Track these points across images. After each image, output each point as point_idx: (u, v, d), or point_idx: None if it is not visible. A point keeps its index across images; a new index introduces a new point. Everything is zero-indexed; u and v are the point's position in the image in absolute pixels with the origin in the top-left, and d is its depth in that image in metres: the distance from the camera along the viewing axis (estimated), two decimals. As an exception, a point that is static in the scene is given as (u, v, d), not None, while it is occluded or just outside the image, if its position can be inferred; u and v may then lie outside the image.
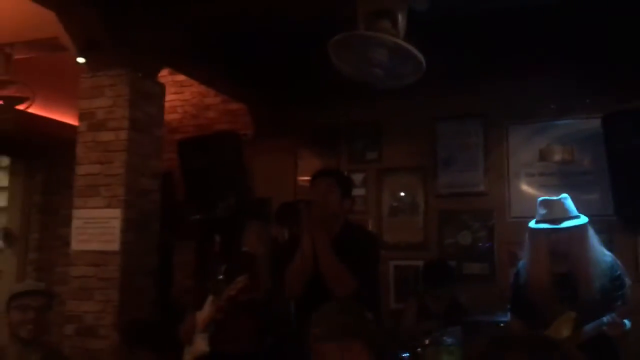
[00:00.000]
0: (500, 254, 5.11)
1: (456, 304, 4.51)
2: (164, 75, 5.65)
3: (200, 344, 3.35)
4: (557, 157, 5.01)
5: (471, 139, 5.35)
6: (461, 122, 5.41)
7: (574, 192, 4.85)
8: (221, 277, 3.37)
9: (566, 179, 4.97)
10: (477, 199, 5.25)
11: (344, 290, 2.80)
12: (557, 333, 2.83)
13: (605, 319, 2.74)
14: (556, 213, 2.91)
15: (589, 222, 2.97)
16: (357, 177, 5.73)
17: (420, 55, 3.11)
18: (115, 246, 3.94)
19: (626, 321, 2.82)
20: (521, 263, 3.16)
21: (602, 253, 2.92)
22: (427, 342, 3.72)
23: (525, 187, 5.12)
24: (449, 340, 3.69)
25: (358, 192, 5.66)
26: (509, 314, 3.27)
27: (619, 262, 2.96)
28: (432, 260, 4.82)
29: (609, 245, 4.61)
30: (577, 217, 2.95)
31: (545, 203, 2.99)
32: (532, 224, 3.05)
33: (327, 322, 2.00)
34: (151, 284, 4.14)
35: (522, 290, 3.05)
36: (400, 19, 3.38)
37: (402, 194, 5.56)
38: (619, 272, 2.91)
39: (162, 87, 4.45)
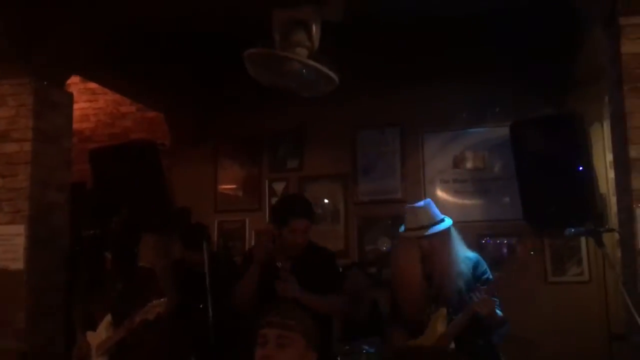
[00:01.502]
0: (418, 259, 5.22)
1: (377, 312, 4.57)
2: (76, 82, 5.44)
3: None
4: (470, 164, 5.20)
5: (389, 147, 5.46)
6: (379, 131, 5.51)
7: (486, 198, 5.13)
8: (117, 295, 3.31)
9: (478, 185, 5.17)
10: (394, 206, 5.34)
11: (336, 314, 3.38)
12: (434, 331, 2.94)
13: (474, 297, 2.83)
14: (422, 220, 2.98)
15: (452, 224, 3.07)
16: (278, 186, 5.72)
17: (331, 73, 3.15)
18: (19, 264, 3.73)
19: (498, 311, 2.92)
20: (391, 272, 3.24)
21: (463, 255, 3.02)
22: (347, 348, 3.77)
23: (441, 193, 5.27)
24: (367, 348, 3.75)
25: (279, 200, 5.65)
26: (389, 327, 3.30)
27: (483, 260, 3.07)
28: (347, 265, 4.90)
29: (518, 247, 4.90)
30: (441, 220, 3.03)
31: (411, 211, 3.06)
32: (402, 232, 3.10)
33: (288, 313, 2.03)
34: (60, 302, 3.94)
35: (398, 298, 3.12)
36: (315, 29, 3.40)
37: (326, 201, 5.59)
38: (484, 268, 3.03)
39: (69, 97, 4.25)
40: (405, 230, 3.05)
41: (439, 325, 2.92)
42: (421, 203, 3.07)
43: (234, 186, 5.87)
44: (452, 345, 2.91)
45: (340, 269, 3.73)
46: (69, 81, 4.44)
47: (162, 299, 3.15)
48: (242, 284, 3.22)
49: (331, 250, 3.73)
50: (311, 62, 3.06)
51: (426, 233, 2.96)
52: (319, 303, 3.08)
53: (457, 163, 5.24)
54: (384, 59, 4.80)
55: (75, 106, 4.50)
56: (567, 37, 4.32)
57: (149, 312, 3.13)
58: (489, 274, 3.01)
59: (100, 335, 3.34)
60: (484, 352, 2.97)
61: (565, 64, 4.63)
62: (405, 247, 3.05)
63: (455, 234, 3.04)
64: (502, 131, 4.86)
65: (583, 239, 4.80)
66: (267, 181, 5.73)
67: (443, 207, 5.10)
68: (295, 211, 3.21)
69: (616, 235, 3.70)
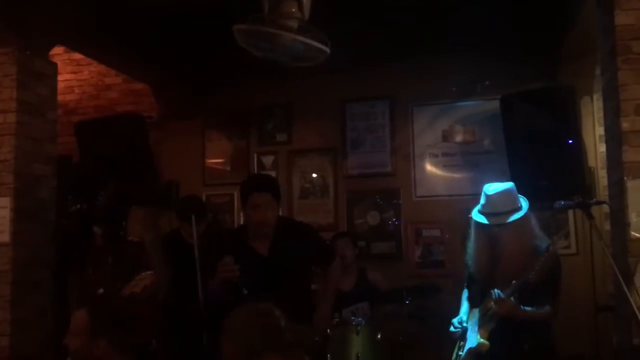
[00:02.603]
0: (406, 233, 5.26)
1: (364, 280, 4.60)
2: (59, 53, 5.32)
3: None
4: (459, 137, 5.19)
5: (378, 121, 5.44)
6: (369, 104, 5.48)
7: (475, 171, 5.13)
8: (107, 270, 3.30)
9: (468, 159, 5.17)
10: (384, 180, 5.36)
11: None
12: (486, 308, 2.94)
13: (493, 294, 2.82)
14: (494, 207, 2.90)
15: (528, 210, 2.95)
16: (267, 159, 5.69)
17: (321, 45, 3.11)
18: (5, 237, 3.68)
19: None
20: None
21: (537, 245, 2.92)
22: (336, 321, 3.78)
23: (430, 167, 5.28)
24: (356, 319, 3.76)
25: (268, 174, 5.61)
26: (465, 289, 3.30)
27: (553, 249, 3.02)
28: (338, 233, 4.88)
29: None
30: (516, 209, 2.91)
31: (485, 196, 2.95)
32: (474, 213, 3.03)
33: (239, 338, 1.92)
34: (48, 276, 3.91)
35: (470, 272, 3.13)
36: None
37: (314, 175, 5.58)
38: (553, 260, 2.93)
39: (54, 67, 4.16)
40: (478, 211, 2.98)
41: (488, 306, 2.88)
42: (498, 189, 2.92)
43: (222, 160, 5.83)
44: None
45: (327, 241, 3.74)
46: (52, 52, 4.34)
47: (149, 272, 3.14)
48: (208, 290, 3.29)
49: (307, 223, 3.74)
50: (300, 38, 3.02)
51: (494, 223, 2.88)
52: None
53: (447, 136, 5.23)
54: (373, 32, 4.74)
55: (60, 77, 4.41)
56: (558, 10, 4.29)
57: (135, 285, 3.13)
58: (558, 270, 2.92)
59: None
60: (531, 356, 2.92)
61: (555, 36, 4.61)
62: (476, 231, 3.00)
63: (531, 223, 2.93)
64: (492, 104, 4.86)
65: (570, 212, 4.83)
66: (255, 155, 5.69)
67: (432, 181, 5.22)
68: (255, 185, 3.16)
69: (604, 208, 3.73)
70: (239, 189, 3.31)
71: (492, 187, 2.95)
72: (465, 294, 3.22)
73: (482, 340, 2.86)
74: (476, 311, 3.02)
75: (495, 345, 2.85)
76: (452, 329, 3.06)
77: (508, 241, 2.88)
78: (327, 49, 3.16)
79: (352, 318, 3.79)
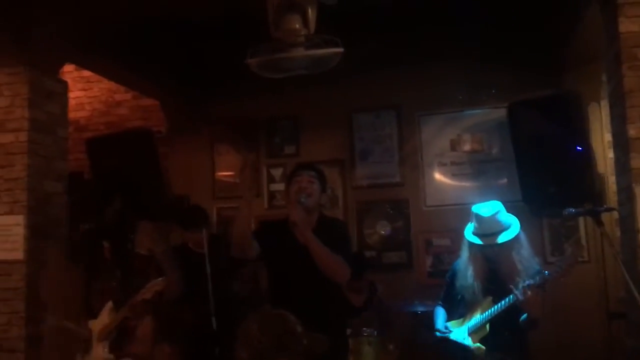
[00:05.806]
0: (417, 242, 5.25)
1: (375, 294, 4.58)
2: (69, 70, 5.40)
3: (101, 352, 3.26)
4: (467, 146, 5.20)
5: (386, 131, 5.45)
6: (376, 114, 5.50)
7: (484, 180, 5.13)
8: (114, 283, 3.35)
9: (476, 167, 5.17)
10: (393, 190, 5.37)
11: (342, 278, 3.11)
12: (473, 314, 3.07)
13: (519, 286, 2.88)
14: (488, 229, 3.03)
15: (519, 231, 3.06)
16: (276, 172, 5.72)
17: (334, 50, 3.17)
18: (19, 255, 3.72)
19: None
20: (456, 263, 3.27)
21: (529, 263, 3.03)
22: (348, 332, 3.79)
23: (439, 176, 5.28)
24: (368, 330, 3.78)
25: (278, 187, 5.64)
26: (439, 305, 3.39)
27: (541, 269, 3.07)
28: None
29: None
30: (508, 227, 3.04)
31: (477, 218, 3.08)
32: (468, 233, 3.14)
33: (253, 344, 1.88)
34: (60, 292, 3.94)
35: (454, 287, 3.22)
36: (310, 12, 3.39)
37: (323, 186, 5.58)
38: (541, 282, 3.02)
39: (64, 85, 4.22)
40: (473, 233, 3.11)
41: (479, 311, 3.04)
42: (490, 211, 3.04)
43: (231, 172, 5.85)
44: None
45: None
46: (63, 69, 4.41)
47: (160, 279, 3.17)
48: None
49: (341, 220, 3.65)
50: (312, 52, 3.08)
51: (490, 244, 3.01)
52: (326, 253, 2.95)
53: (455, 145, 5.23)
54: (379, 42, 4.77)
55: (70, 95, 4.47)
56: (564, 17, 4.30)
57: (147, 291, 3.16)
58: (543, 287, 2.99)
59: (102, 321, 3.36)
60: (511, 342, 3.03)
61: (561, 43, 4.61)
62: (471, 250, 3.12)
63: (523, 240, 3.05)
64: (500, 112, 4.87)
65: (581, 219, 4.81)
66: (265, 167, 5.72)
67: (441, 190, 5.22)
68: (302, 166, 3.27)
69: (615, 215, 3.72)
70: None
71: (485, 209, 3.08)
72: (439, 309, 3.33)
73: (478, 344, 3.02)
74: (458, 321, 3.16)
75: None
76: (438, 334, 3.19)
77: (500, 260, 3.03)
78: (341, 49, 3.21)
79: (364, 329, 3.80)
